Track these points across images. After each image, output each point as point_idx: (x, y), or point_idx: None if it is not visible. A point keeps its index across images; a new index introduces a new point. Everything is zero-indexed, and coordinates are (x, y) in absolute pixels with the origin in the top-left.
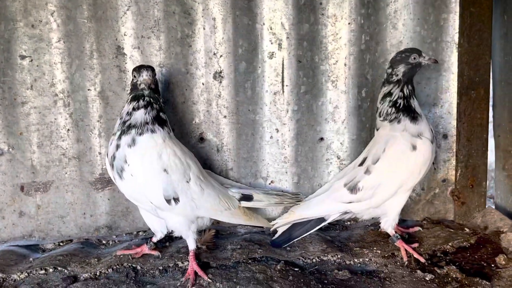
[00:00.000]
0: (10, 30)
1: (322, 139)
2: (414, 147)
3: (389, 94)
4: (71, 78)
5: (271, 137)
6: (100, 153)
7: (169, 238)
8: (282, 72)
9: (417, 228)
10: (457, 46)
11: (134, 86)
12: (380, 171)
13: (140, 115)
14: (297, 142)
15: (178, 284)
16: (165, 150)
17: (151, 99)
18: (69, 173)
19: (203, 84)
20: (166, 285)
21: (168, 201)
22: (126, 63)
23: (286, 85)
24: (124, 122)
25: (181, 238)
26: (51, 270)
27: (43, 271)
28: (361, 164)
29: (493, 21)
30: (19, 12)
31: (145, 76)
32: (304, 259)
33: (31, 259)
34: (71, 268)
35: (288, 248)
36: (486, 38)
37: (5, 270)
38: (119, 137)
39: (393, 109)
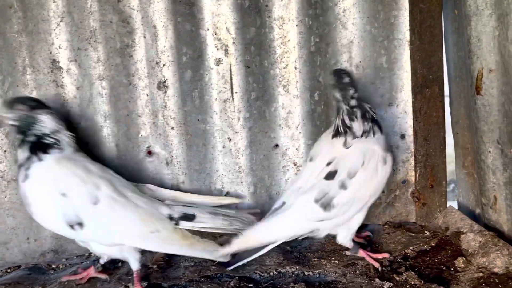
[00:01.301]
0: None
1: (277, 145)
2: (385, 161)
3: (366, 112)
4: (4, 96)
5: (224, 146)
6: None
7: None
8: (231, 79)
9: (367, 233)
10: (409, 43)
11: None
12: (357, 186)
13: (21, 152)
14: (251, 151)
15: None
16: (60, 173)
17: (26, 130)
18: (8, 196)
19: (147, 95)
20: None
21: (72, 227)
22: (63, 77)
23: (236, 92)
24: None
25: None
26: None
27: None
28: (328, 177)
29: (444, 16)
30: None
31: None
32: (260, 273)
33: None
34: None
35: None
36: (438, 35)
37: None
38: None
39: (370, 123)
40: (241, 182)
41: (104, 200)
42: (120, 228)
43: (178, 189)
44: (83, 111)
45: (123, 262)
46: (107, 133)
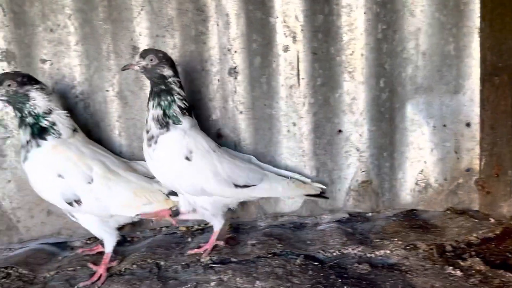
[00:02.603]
0: (30, 35)
1: (340, 131)
2: None
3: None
4: (90, 79)
5: (288, 131)
6: (121, 152)
7: (191, 233)
8: (298, 65)
9: None
10: (478, 31)
11: None
12: None
13: (22, 133)
14: (315, 135)
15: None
16: (54, 158)
17: (20, 108)
18: None
19: (218, 80)
20: (188, 280)
21: (70, 204)
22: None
23: (302, 78)
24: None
25: (202, 233)
26: (78, 267)
27: (71, 269)
28: None
29: None
30: (38, 17)
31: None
32: (324, 253)
33: (60, 257)
34: (98, 265)
35: (308, 242)
36: (509, 22)
37: (35, 269)
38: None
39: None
40: (304, 166)
41: (97, 179)
42: (114, 202)
43: None
44: None
45: (193, 237)
46: None
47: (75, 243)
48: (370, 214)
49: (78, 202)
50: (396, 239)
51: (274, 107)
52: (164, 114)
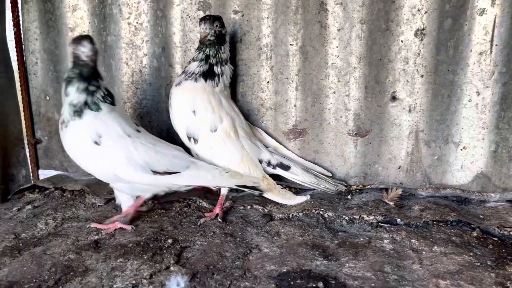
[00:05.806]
0: None
1: None
2: None
3: None
4: (275, 32)
5: (470, 100)
6: (295, 106)
7: (349, 192)
8: (493, 31)
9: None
10: None
11: None
12: None
13: (194, 68)
14: (500, 108)
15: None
16: (196, 96)
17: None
18: (265, 122)
19: (402, 41)
20: (359, 234)
21: (189, 138)
22: (327, 19)
23: (496, 45)
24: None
25: (361, 192)
26: (248, 207)
27: (242, 207)
28: None
29: None
30: None
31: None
32: (499, 230)
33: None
34: (269, 208)
35: (480, 216)
36: None
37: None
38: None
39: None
40: (482, 139)
41: (219, 132)
42: (222, 157)
43: (416, 136)
44: (339, 52)
45: (352, 195)
46: (358, 75)
47: None
48: None
49: (195, 141)
50: None
51: (458, 73)
52: (85, 103)
